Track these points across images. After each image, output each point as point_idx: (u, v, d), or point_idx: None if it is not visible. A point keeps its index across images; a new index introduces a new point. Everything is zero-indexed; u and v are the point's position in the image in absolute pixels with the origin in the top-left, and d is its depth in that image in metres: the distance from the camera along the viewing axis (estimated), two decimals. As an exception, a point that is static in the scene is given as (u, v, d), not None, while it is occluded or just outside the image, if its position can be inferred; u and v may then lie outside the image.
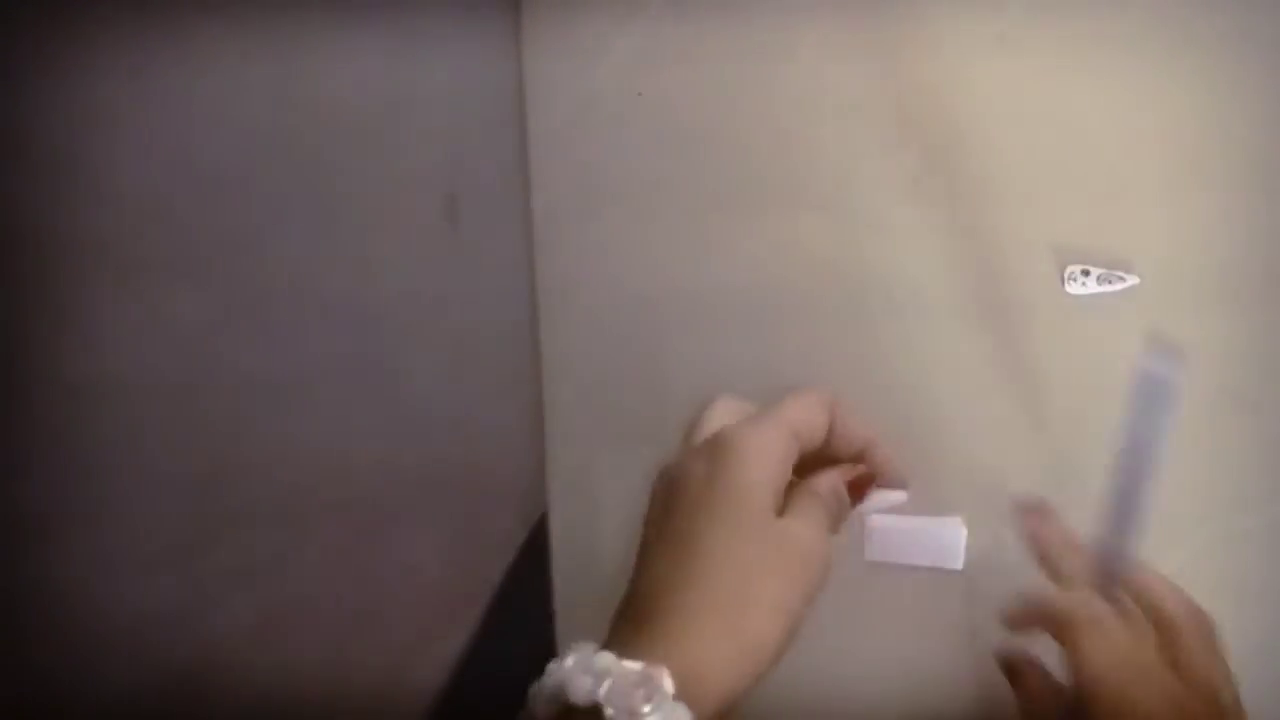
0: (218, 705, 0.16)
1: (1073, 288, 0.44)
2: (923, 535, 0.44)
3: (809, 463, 0.41)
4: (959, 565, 0.44)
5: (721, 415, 0.42)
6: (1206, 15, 0.45)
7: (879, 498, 0.42)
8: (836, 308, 0.45)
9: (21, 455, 0.12)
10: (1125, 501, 0.36)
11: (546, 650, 0.44)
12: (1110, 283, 0.44)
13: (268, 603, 0.18)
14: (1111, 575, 0.38)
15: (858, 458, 0.41)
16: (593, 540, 0.45)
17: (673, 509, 0.39)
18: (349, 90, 0.23)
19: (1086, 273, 0.44)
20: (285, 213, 0.20)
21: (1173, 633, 0.37)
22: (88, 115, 0.13)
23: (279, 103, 0.19)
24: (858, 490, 0.40)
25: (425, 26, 0.31)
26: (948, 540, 0.44)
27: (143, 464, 0.14)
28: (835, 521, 0.39)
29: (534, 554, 0.44)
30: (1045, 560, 0.41)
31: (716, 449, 0.39)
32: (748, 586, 0.36)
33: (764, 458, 0.37)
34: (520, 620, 0.42)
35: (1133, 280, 0.44)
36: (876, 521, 0.44)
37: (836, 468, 0.40)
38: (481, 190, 0.38)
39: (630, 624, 0.36)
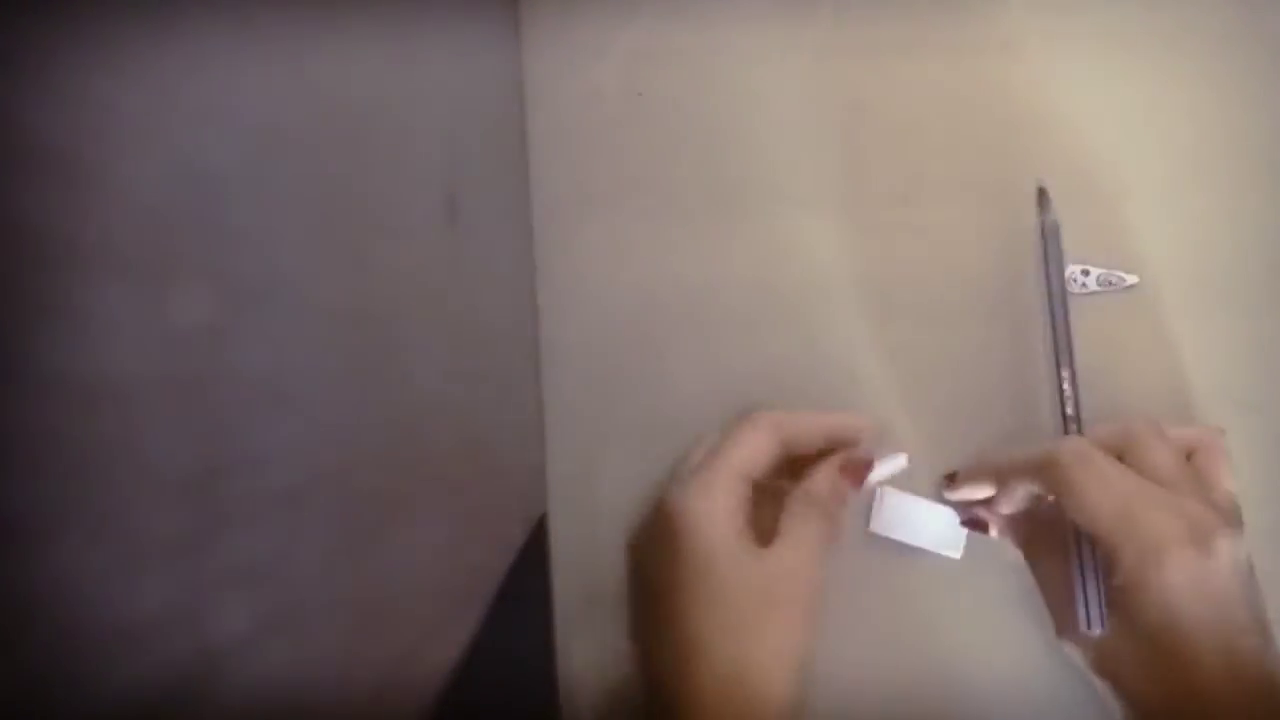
0: (217, 705, 0.16)
1: (1073, 288, 0.44)
2: (928, 518, 0.44)
3: (799, 466, 0.41)
4: (958, 555, 0.44)
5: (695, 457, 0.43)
6: (1207, 15, 0.45)
7: (882, 468, 0.43)
8: (837, 308, 0.45)
9: (18, 455, 0.11)
10: (1062, 347, 0.40)
11: (546, 650, 0.44)
12: (1110, 283, 0.44)
13: (268, 603, 0.18)
14: (1074, 421, 0.40)
15: (837, 445, 0.41)
16: (593, 540, 0.45)
17: (649, 599, 0.41)
18: (348, 90, 0.23)
19: (1086, 273, 0.44)
20: (285, 213, 0.20)
21: (1131, 441, 0.38)
22: (87, 115, 0.13)
23: (279, 102, 0.19)
24: (856, 474, 0.41)
25: (425, 26, 0.31)
26: (952, 528, 0.44)
27: (142, 464, 0.14)
28: (833, 517, 0.40)
29: (534, 554, 0.44)
30: (998, 473, 0.41)
31: (663, 525, 0.39)
32: (740, 648, 0.36)
33: (712, 514, 0.38)
34: (520, 620, 0.42)
35: (1133, 280, 0.44)
36: (887, 496, 0.44)
37: (826, 460, 0.41)
38: (481, 190, 0.38)
39: None
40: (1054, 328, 0.40)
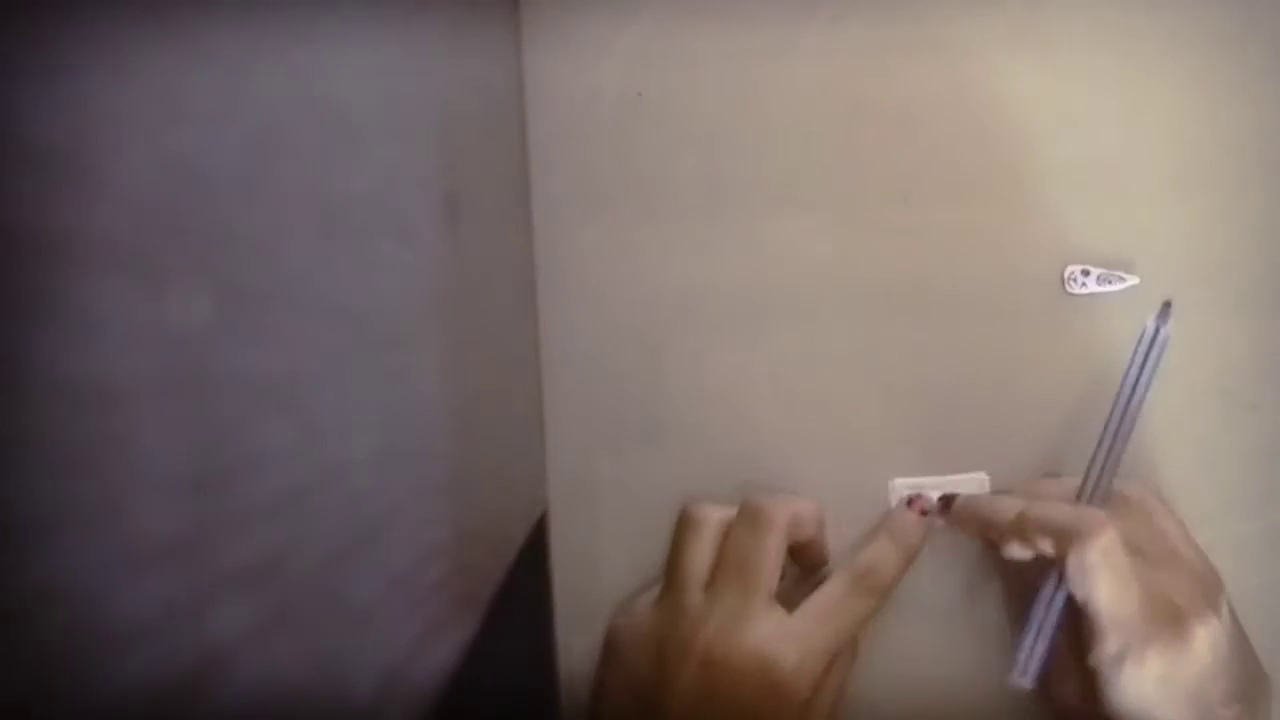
0: (217, 705, 0.16)
1: (1073, 288, 0.44)
2: (948, 491, 0.44)
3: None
4: None
5: (702, 555, 0.42)
6: (1206, 15, 0.45)
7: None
8: (836, 308, 0.45)
9: (19, 455, 0.12)
10: (1116, 437, 0.40)
11: (546, 650, 0.44)
12: (1110, 283, 0.44)
13: (267, 603, 0.18)
14: (1097, 494, 0.40)
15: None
16: (593, 540, 0.45)
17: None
18: (349, 90, 0.23)
19: (1086, 273, 0.44)
20: (285, 213, 0.20)
21: (1129, 508, 0.39)
22: (86, 115, 0.13)
23: (278, 102, 0.19)
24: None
25: (424, 26, 0.31)
26: (982, 489, 0.44)
27: (141, 464, 0.14)
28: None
29: (534, 554, 0.44)
30: (1004, 525, 0.39)
31: (754, 670, 0.38)
32: None
33: (808, 672, 0.38)
34: (520, 620, 0.42)
35: (1133, 280, 0.44)
36: (901, 484, 0.44)
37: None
38: (481, 190, 0.38)
39: None
40: (1120, 419, 0.40)
